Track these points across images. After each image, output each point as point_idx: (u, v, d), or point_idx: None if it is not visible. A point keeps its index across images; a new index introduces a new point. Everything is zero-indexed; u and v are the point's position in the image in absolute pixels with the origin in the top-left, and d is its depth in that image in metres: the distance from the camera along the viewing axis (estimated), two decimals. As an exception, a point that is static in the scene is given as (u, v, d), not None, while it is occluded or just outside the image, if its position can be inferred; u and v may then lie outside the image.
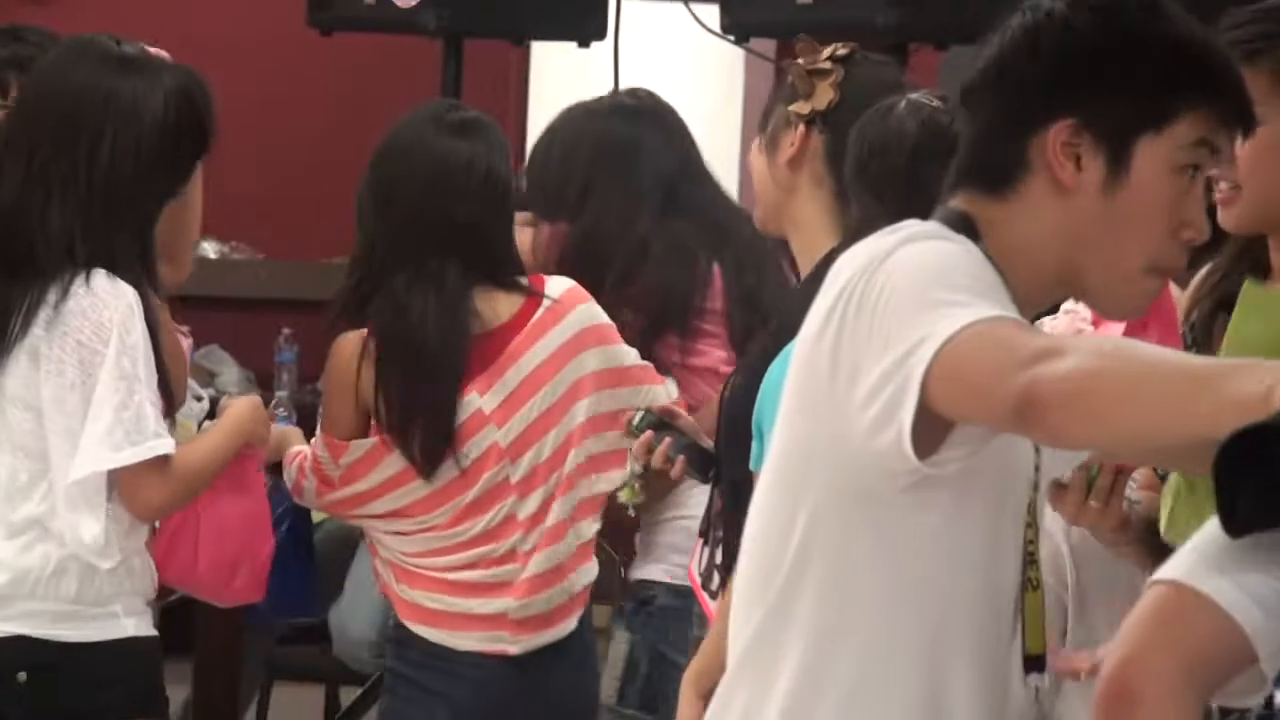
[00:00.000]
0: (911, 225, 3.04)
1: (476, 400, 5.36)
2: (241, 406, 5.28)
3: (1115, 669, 2.55)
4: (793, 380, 3.04)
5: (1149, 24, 3.03)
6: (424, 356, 5.33)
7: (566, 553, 5.41)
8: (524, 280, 5.38)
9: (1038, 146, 2.97)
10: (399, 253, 5.34)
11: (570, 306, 5.36)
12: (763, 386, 4.47)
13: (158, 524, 5.10)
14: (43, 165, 4.86)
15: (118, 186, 4.85)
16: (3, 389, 4.83)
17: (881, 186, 4.42)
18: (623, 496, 5.48)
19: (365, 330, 5.33)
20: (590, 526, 5.51)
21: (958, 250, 2.95)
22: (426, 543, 5.39)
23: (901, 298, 2.83)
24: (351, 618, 7.37)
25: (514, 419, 5.35)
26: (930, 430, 2.78)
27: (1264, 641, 2.41)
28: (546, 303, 5.32)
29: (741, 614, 3.15)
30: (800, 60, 5.05)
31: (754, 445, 4.53)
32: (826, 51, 5.06)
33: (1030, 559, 3.26)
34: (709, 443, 5.18)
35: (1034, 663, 3.16)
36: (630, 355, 5.49)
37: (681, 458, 5.19)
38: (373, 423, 5.39)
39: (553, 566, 5.38)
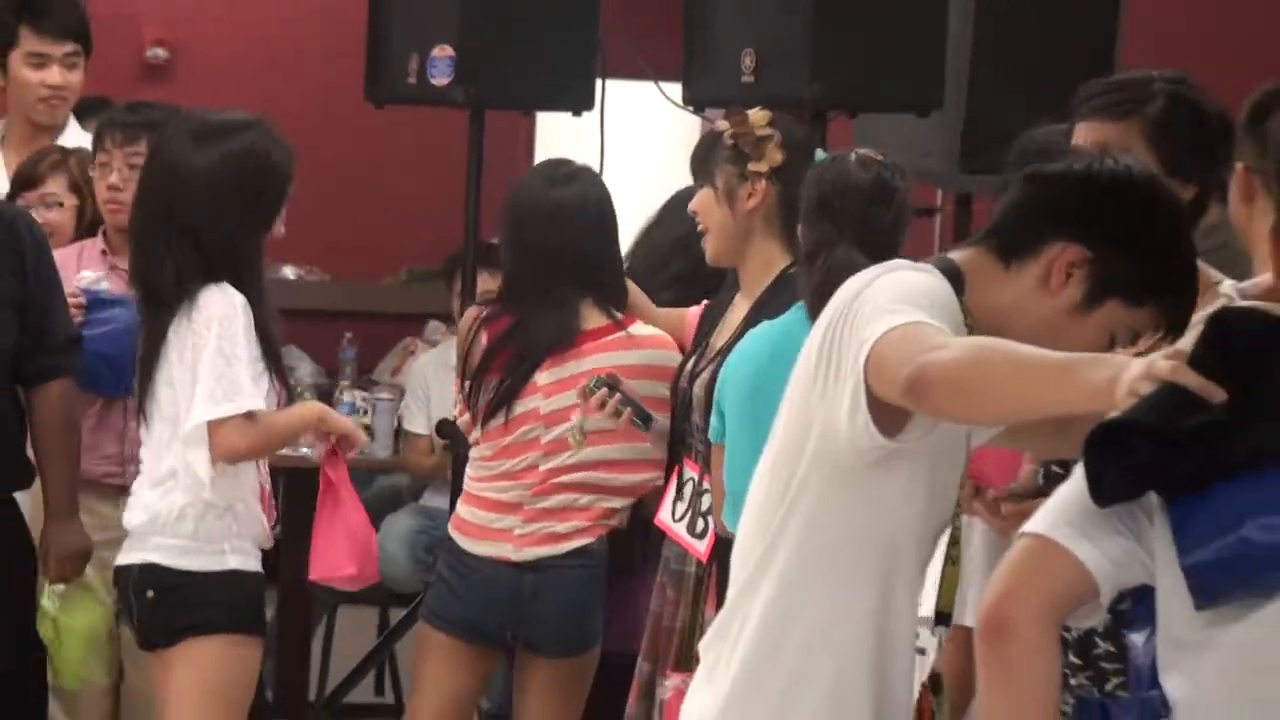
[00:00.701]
0: (901, 262, 3.09)
1: (537, 375, 5.35)
2: (314, 406, 5.37)
3: (993, 604, 2.51)
4: (798, 379, 3.05)
5: (1165, 239, 3.04)
6: (524, 352, 5.33)
7: (570, 504, 5.34)
8: (616, 312, 5.36)
9: (1053, 248, 2.96)
10: (529, 281, 5.33)
11: (650, 344, 5.33)
12: (721, 375, 4.49)
13: (265, 484, 5.15)
14: (164, 224, 4.99)
15: (219, 236, 4.96)
16: (156, 381, 4.95)
17: (841, 220, 4.37)
18: (570, 439, 5.36)
19: (480, 309, 5.49)
20: (592, 495, 5.44)
21: (927, 280, 2.93)
22: (476, 468, 5.38)
23: (869, 311, 2.85)
24: (392, 553, 7.37)
25: (557, 397, 5.28)
26: (895, 415, 2.81)
27: (1106, 583, 2.41)
28: (621, 334, 5.29)
29: (740, 559, 3.20)
30: (738, 128, 5.05)
31: (713, 419, 4.51)
32: (755, 118, 5.05)
33: (954, 538, 3.35)
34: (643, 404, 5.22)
35: (943, 618, 3.37)
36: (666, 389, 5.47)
37: (628, 411, 5.12)
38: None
39: (556, 507, 5.33)
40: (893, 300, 2.86)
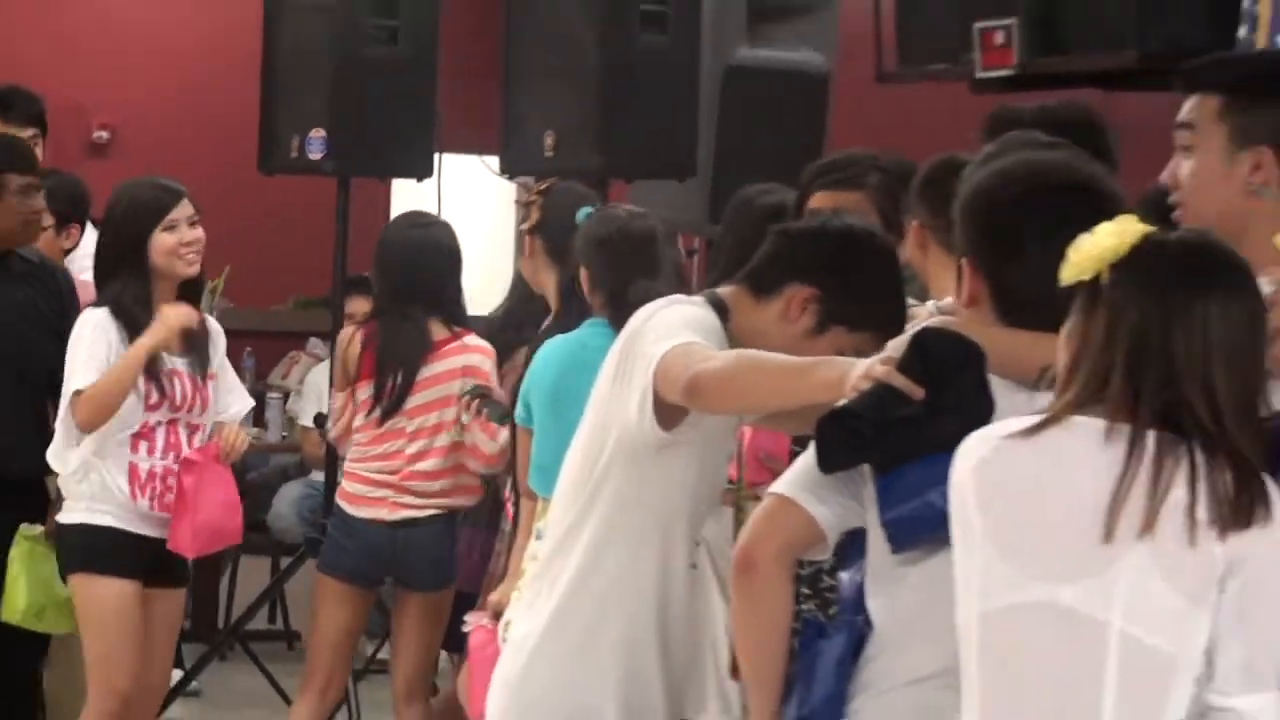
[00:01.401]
0: (679, 296, 3.07)
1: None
2: (132, 350, 4.75)
3: (743, 547, 2.47)
4: (600, 382, 3.01)
5: (877, 281, 2.98)
6: (393, 360, 5.19)
7: (431, 478, 5.30)
8: (455, 326, 5.27)
9: (791, 288, 2.90)
10: (394, 304, 5.24)
11: (474, 351, 5.23)
12: (528, 374, 4.41)
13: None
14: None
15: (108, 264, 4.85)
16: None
17: (629, 259, 4.25)
18: (451, 429, 5.30)
19: (356, 328, 5.37)
20: (449, 476, 5.40)
21: (698, 311, 2.91)
22: (356, 452, 5.30)
23: (654, 335, 2.84)
24: (284, 514, 7.52)
25: (415, 395, 5.20)
26: (673, 414, 2.78)
27: (831, 531, 2.36)
28: (457, 343, 5.20)
29: (555, 521, 3.13)
30: (520, 197, 5.24)
31: (519, 409, 4.42)
32: (538, 186, 5.09)
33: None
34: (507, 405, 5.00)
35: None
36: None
37: (486, 410, 5.05)
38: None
39: (420, 482, 5.27)
40: (670, 327, 2.84)
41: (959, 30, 6.07)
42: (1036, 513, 2.02)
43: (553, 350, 4.33)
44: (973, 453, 2.05)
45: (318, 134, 5.81)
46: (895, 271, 3.03)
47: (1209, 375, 1.97)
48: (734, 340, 2.88)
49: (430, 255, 5.30)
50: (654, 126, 5.74)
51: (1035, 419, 2.01)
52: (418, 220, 5.47)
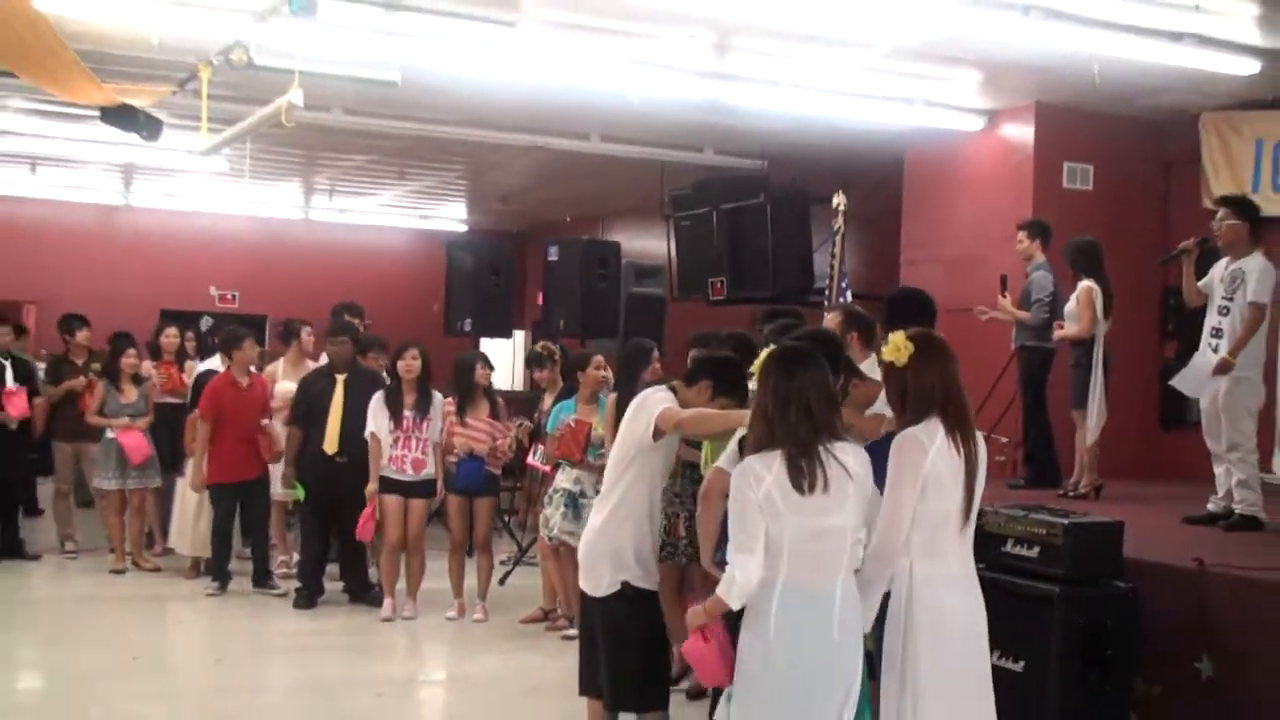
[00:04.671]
0: (658, 385, 4.96)
1: None
2: None
3: (705, 485, 4.16)
4: (625, 421, 5.04)
5: (735, 371, 4.68)
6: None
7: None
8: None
9: (703, 381, 4.81)
10: None
11: None
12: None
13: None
14: None
15: None
16: None
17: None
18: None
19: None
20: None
21: (667, 392, 4.84)
22: None
23: (651, 404, 4.86)
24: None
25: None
26: (659, 434, 4.84)
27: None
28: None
29: (608, 479, 5.12)
30: None
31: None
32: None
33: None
34: None
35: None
36: None
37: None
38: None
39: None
40: (658, 401, 4.90)
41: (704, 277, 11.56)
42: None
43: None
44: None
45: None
46: (742, 372, 4.61)
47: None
48: (680, 404, 4.77)
49: None
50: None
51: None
52: None
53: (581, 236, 13.46)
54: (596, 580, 4.98)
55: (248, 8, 7.59)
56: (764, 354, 3.82)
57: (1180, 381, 6.98)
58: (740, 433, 4.00)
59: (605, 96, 9.64)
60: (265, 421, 9.25)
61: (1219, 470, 7.05)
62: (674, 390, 4.94)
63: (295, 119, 8.14)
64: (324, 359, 9.27)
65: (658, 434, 4.82)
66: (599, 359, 7.97)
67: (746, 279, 11.60)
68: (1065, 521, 5.40)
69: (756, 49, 8.81)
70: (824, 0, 7.64)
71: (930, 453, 3.75)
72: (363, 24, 7.84)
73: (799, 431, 3.67)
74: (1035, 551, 5.42)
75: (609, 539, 4.92)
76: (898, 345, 3.89)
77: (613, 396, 7.18)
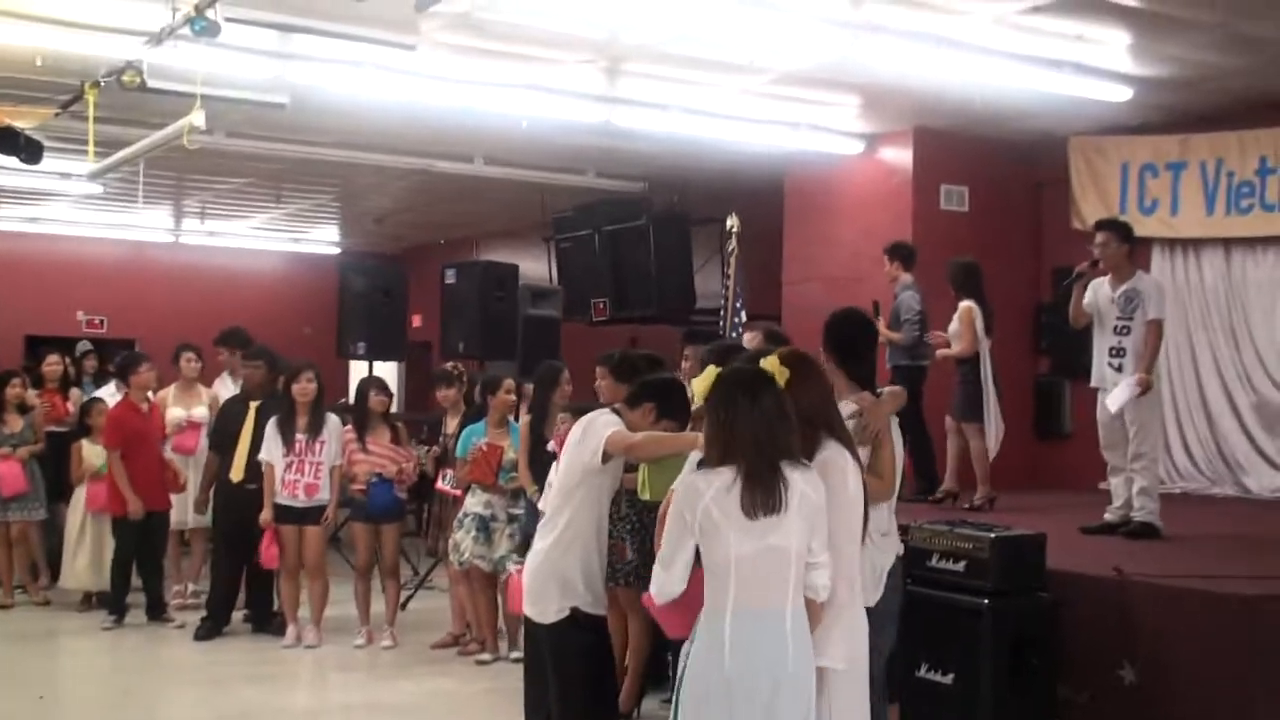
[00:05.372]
0: (604, 408, 4.94)
1: None
2: None
3: (662, 508, 3.99)
4: (570, 444, 4.99)
5: (679, 396, 4.86)
6: None
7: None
8: None
9: (646, 404, 4.87)
10: None
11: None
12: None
13: None
14: None
15: None
16: None
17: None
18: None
19: None
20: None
21: (612, 416, 4.91)
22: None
23: (599, 426, 4.85)
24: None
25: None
26: (605, 458, 4.86)
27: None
28: None
29: (552, 505, 5.08)
30: None
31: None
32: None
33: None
34: None
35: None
36: None
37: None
38: None
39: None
40: (606, 424, 4.88)
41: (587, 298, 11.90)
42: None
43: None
44: None
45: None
46: (685, 395, 4.84)
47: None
48: (625, 426, 4.82)
49: None
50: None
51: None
52: None
53: (478, 258, 13.50)
54: (544, 607, 4.94)
55: (140, 29, 7.43)
56: (712, 375, 3.74)
57: (1112, 401, 7.09)
58: (695, 455, 3.90)
59: (495, 119, 9.72)
60: (169, 455, 9.16)
61: (1115, 480, 7.26)
62: (617, 412, 4.92)
63: (195, 142, 8.00)
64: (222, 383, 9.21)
65: (606, 457, 4.81)
66: (509, 383, 8.02)
67: (629, 300, 11.83)
68: (991, 535, 5.51)
69: (648, 73, 8.94)
70: (717, 27, 7.73)
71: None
72: (258, 46, 7.79)
73: (761, 453, 3.57)
74: (961, 565, 5.50)
75: (555, 565, 4.88)
76: (774, 368, 3.78)
77: (526, 419, 7.36)
